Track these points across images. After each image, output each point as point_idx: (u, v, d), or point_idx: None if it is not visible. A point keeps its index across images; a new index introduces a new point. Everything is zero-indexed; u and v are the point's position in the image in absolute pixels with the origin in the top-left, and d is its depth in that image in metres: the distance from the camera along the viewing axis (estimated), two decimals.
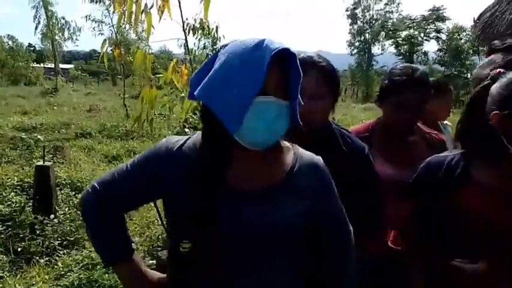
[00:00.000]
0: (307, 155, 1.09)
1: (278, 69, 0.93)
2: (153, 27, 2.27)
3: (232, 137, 0.95)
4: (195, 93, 0.96)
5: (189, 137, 1.07)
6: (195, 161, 0.99)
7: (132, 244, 1.12)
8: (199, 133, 1.06)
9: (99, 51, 2.53)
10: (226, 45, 1.00)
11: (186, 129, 6.91)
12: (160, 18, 2.04)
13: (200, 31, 3.40)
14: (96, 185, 1.08)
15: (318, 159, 1.09)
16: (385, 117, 1.76)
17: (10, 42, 26.69)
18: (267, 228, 0.96)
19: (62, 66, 33.14)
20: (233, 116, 0.91)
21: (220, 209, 0.96)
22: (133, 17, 2.18)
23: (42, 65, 29.08)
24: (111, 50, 3.12)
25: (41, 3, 26.19)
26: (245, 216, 0.96)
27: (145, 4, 2.11)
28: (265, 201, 0.98)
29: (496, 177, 1.19)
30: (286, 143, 1.09)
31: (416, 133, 1.78)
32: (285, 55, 0.93)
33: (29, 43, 32.07)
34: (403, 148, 1.51)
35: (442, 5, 41.31)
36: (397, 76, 1.68)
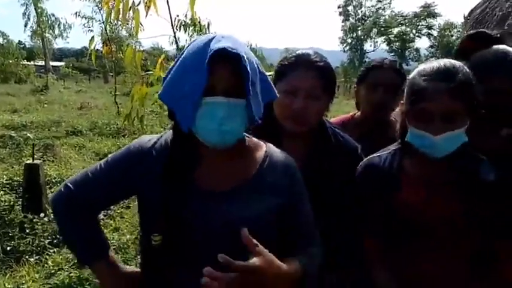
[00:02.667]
0: (278, 153, 1.10)
1: (227, 68, 0.92)
2: (141, 24, 2.25)
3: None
4: (159, 92, 0.97)
5: (162, 135, 1.08)
6: (165, 159, 1.01)
7: (107, 242, 1.12)
8: (171, 131, 1.07)
9: (94, 48, 2.52)
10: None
11: None
12: (146, 14, 2.03)
13: (192, 27, 3.38)
14: (70, 184, 1.06)
15: (289, 158, 1.10)
16: (362, 106, 1.80)
17: (0, 40, 26.27)
18: (237, 225, 0.95)
19: (52, 63, 32.82)
20: (185, 116, 0.92)
21: (191, 207, 0.98)
22: (121, 14, 2.16)
23: (32, 62, 28.69)
24: (101, 47, 3.10)
25: (31, 0, 25.89)
26: (215, 215, 0.98)
27: (133, 1, 2.09)
28: (235, 200, 1.00)
29: (424, 170, 1.22)
30: (257, 141, 1.10)
31: (391, 127, 1.79)
32: (234, 54, 0.90)
33: (19, 41, 31.68)
34: (374, 142, 1.54)
35: (433, 1, 41.54)
36: (371, 62, 1.83)
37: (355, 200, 1.31)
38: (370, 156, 1.33)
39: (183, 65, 0.94)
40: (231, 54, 0.90)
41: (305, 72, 1.30)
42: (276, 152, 1.10)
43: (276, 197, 1.03)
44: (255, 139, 1.10)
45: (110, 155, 1.11)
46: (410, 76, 1.18)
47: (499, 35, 1.45)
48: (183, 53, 0.98)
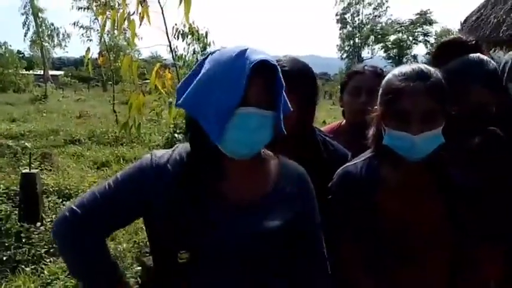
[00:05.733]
0: (291, 164, 1.11)
1: (262, 80, 0.92)
2: (136, 35, 2.28)
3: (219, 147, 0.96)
4: (179, 101, 0.97)
5: (174, 150, 1.06)
6: (185, 173, 0.99)
7: (117, 267, 1.06)
8: (184, 145, 1.06)
9: (89, 58, 2.55)
10: (214, 52, 1.00)
11: (176, 135, 6.91)
12: (140, 24, 2.06)
13: (190, 36, 3.42)
14: (76, 208, 0.98)
15: (302, 168, 1.11)
16: (347, 112, 1.81)
17: (0, 49, 26.37)
18: (260, 237, 0.98)
19: (51, 72, 32.93)
20: (215, 127, 0.91)
21: (215, 220, 0.96)
22: (116, 24, 2.19)
23: (31, 72, 28.79)
24: (97, 56, 3.13)
25: (31, 10, 26.09)
26: (240, 228, 0.97)
27: (128, 12, 2.12)
28: (258, 212, 1.00)
29: (401, 175, 1.21)
30: (269, 153, 1.10)
31: None
32: (268, 65, 0.92)
33: (18, 50, 31.78)
34: (361, 148, 1.54)
35: (429, 9, 41.97)
36: (352, 69, 1.87)
37: (332, 209, 1.27)
38: (345, 165, 1.31)
39: (211, 76, 0.93)
40: (268, 66, 0.91)
41: None
42: (289, 163, 1.10)
43: (293, 207, 1.04)
44: (267, 150, 1.09)
45: (117, 174, 1.04)
46: (385, 79, 1.19)
47: (474, 42, 1.45)
48: (202, 63, 0.98)
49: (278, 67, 0.94)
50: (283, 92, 0.97)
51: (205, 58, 1.00)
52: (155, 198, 0.99)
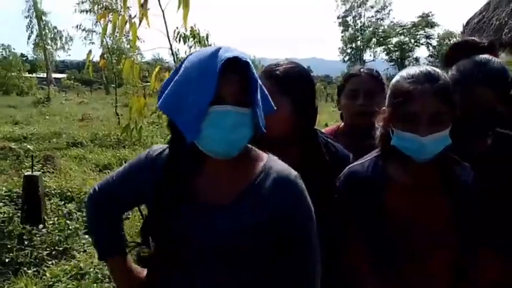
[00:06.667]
0: (279, 167, 1.05)
1: (236, 77, 0.93)
2: (138, 38, 2.28)
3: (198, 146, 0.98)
4: (158, 103, 0.98)
5: (168, 146, 1.10)
6: (162, 169, 1.04)
7: (125, 242, 1.19)
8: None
9: (90, 60, 2.57)
10: (192, 53, 1.02)
11: None
12: (138, 26, 2.07)
13: (191, 39, 3.42)
14: (96, 187, 1.19)
15: (291, 173, 1.05)
16: (345, 115, 1.81)
17: (4, 52, 26.53)
18: (234, 236, 0.98)
19: (54, 75, 33.06)
20: (190, 125, 0.92)
21: (186, 218, 0.99)
22: (117, 28, 2.20)
23: (34, 74, 28.94)
24: (99, 59, 3.15)
25: (34, 13, 26.24)
26: (207, 226, 0.99)
27: (129, 15, 2.13)
28: (226, 212, 1.00)
29: (409, 175, 1.22)
30: (259, 152, 1.09)
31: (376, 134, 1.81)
32: (241, 62, 0.92)
33: (21, 53, 31.97)
34: (364, 150, 1.54)
35: (431, 11, 42.03)
36: (349, 72, 1.86)
37: (339, 208, 1.29)
38: (352, 165, 1.32)
39: (186, 76, 0.94)
40: (241, 63, 0.92)
41: (264, 81, 1.25)
42: (277, 166, 1.05)
43: (267, 211, 1.00)
44: (257, 150, 1.09)
45: (129, 161, 1.19)
46: (393, 81, 1.20)
47: (486, 43, 1.46)
48: (181, 65, 0.99)
49: (250, 63, 0.93)
50: (259, 89, 0.96)
51: (184, 60, 1.01)
52: (150, 189, 1.05)
